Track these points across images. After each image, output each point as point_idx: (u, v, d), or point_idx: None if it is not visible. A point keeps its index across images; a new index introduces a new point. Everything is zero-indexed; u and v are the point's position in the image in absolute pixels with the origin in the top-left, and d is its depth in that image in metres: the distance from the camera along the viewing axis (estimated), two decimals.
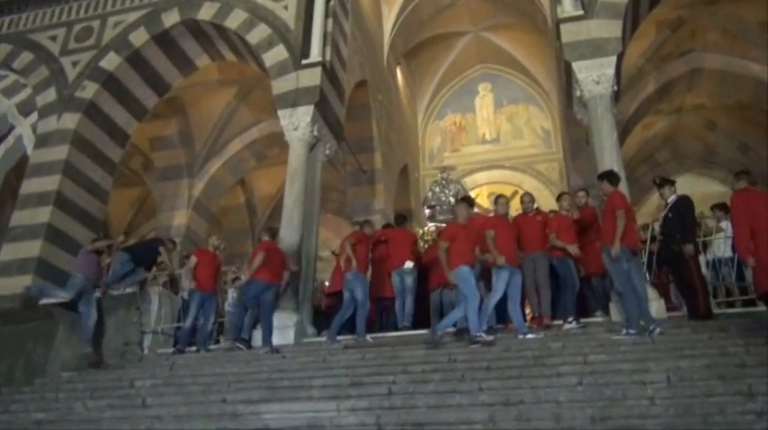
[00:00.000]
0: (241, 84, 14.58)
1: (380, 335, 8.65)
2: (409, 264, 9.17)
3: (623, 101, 11.87)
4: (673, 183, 8.12)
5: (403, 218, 10.50)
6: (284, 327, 8.72)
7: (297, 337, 8.71)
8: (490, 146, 18.97)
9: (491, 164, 18.46)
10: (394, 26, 16.09)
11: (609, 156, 8.92)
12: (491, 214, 8.64)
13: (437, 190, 13.07)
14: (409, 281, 9.11)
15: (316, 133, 10.61)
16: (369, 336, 8.20)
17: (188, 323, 8.81)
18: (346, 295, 8.44)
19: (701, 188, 15.89)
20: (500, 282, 7.26)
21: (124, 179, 17.05)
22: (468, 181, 17.53)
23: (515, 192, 15.70)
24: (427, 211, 12.94)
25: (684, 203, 7.64)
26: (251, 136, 15.56)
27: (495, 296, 7.32)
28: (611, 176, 7.47)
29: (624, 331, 6.61)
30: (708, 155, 16.27)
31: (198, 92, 14.63)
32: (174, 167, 15.20)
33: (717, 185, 15.94)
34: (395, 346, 7.33)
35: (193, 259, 8.99)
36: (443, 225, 9.88)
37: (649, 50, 13.07)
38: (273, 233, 9.27)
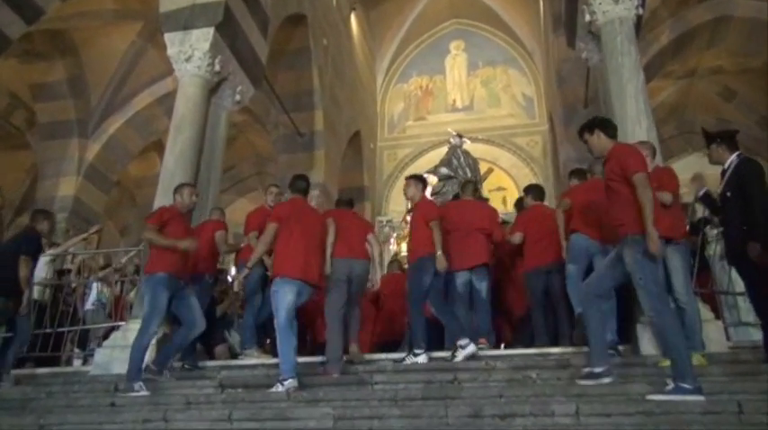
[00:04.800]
0: (147, 18, 11.31)
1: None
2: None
3: None
4: (732, 137, 5.15)
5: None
6: None
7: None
8: (461, 114, 15.93)
9: (462, 136, 15.43)
10: None
11: (633, 106, 6.15)
12: None
13: (461, 160, 10.36)
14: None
15: (218, 68, 7.62)
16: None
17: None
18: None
19: (711, 169, 13.21)
20: None
21: (12, 139, 13.86)
22: (433, 155, 14.65)
23: (490, 170, 12.88)
24: (434, 186, 10.21)
25: (746, 171, 4.58)
26: (163, 88, 12.32)
27: None
28: (603, 124, 4.30)
29: (670, 386, 3.74)
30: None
31: (92, 26, 11.43)
32: (61, 123, 11.99)
33: None
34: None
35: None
36: None
37: None
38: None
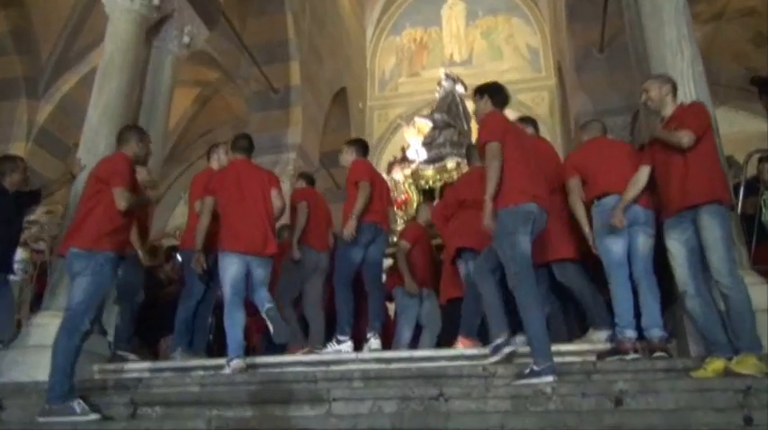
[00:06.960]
0: None
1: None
2: None
3: None
4: None
5: None
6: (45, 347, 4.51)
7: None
8: (459, 69, 14.27)
9: (457, 79, 13.99)
10: None
11: (673, 31, 4.89)
12: None
13: (460, 109, 9.16)
14: None
15: (157, 1, 6.28)
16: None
17: None
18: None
19: (739, 126, 12.02)
20: None
21: None
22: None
23: None
24: (426, 135, 9.11)
25: None
26: None
27: None
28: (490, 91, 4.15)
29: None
30: (749, 82, 12.12)
31: None
32: (7, 82, 10.64)
33: (760, 122, 11.86)
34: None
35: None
36: None
37: None
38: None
